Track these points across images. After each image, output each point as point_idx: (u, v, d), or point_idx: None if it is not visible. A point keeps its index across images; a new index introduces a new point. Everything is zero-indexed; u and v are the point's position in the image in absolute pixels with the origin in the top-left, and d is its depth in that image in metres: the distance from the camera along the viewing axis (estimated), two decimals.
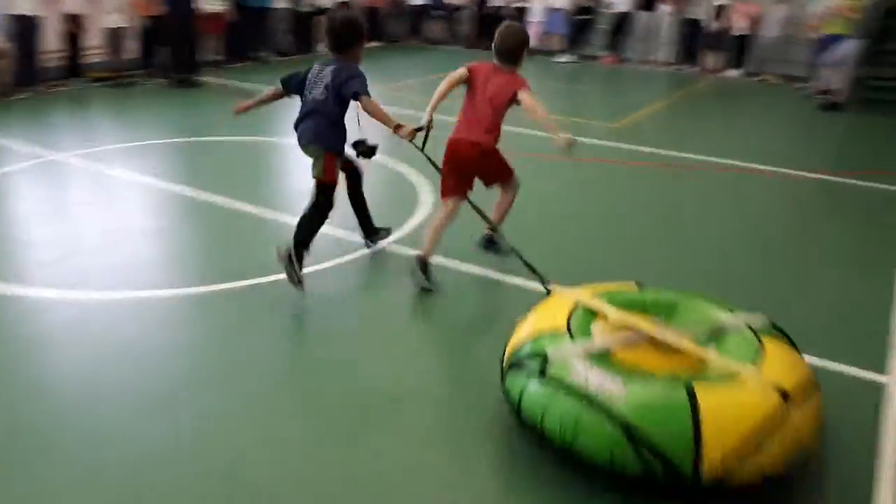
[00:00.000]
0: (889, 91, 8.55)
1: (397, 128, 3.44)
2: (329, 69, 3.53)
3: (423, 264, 3.64)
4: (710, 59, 11.26)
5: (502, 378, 2.49)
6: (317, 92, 3.52)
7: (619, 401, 2.09)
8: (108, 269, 3.88)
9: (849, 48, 8.51)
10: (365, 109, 3.43)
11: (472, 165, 3.66)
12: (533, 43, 10.13)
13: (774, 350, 2.35)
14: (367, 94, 3.44)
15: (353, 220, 4.13)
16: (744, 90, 10.32)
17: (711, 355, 2.32)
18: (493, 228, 3.86)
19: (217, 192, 5.10)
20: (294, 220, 3.64)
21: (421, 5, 13.67)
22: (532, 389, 2.28)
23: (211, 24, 9.77)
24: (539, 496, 2.25)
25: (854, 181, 5.91)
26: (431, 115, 3.57)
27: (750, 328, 2.45)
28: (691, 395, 2.06)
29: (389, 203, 5.07)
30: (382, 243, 4.25)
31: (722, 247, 4.55)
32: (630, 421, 2.05)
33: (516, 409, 2.35)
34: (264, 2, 10.77)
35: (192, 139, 6.59)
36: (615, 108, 8.58)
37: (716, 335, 2.47)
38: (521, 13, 12.41)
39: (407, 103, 8.05)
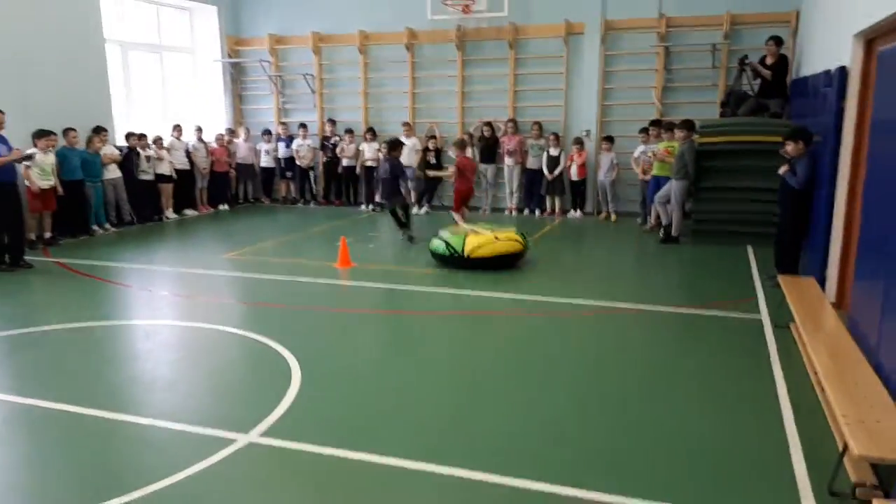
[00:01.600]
0: (713, 223, 9.41)
1: None
2: None
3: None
4: (554, 203, 11.99)
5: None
6: None
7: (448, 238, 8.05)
8: None
9: (673, 187, 9.36)
10: None
11: None
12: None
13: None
14: None
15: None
16: (589, 229, 10.96)
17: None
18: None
19: (51, 397, 4.37)
20: (147, 421, 3.52)
21: (271, 168, 13.63)
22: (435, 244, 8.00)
23: (41, 202, 9.05)
24: None
25: (709, 312, 6.23)
26: None
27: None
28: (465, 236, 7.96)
29: (256, 388, 4.59)
30: None
31: (581, 398, 4.46)
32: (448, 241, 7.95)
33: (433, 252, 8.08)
34: (93, 176, 10.20)
35: (20, 331, 5.75)
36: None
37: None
38: (369, 172, 12.73)
39: (259, 266, 7.78)
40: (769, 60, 9.59)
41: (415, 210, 12.10)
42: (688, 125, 9.51)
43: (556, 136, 11.71)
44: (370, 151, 12.65)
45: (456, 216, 9.46)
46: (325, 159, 13.24)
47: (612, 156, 11.35)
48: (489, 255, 7.89)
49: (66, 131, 9.85)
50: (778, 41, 9.57)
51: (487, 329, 5.95)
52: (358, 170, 12.98)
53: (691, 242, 9.36)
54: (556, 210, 11.98)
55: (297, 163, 13.30)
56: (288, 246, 9.59)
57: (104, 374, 4.93)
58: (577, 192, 11.83)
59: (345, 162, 13.01)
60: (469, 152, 10.39)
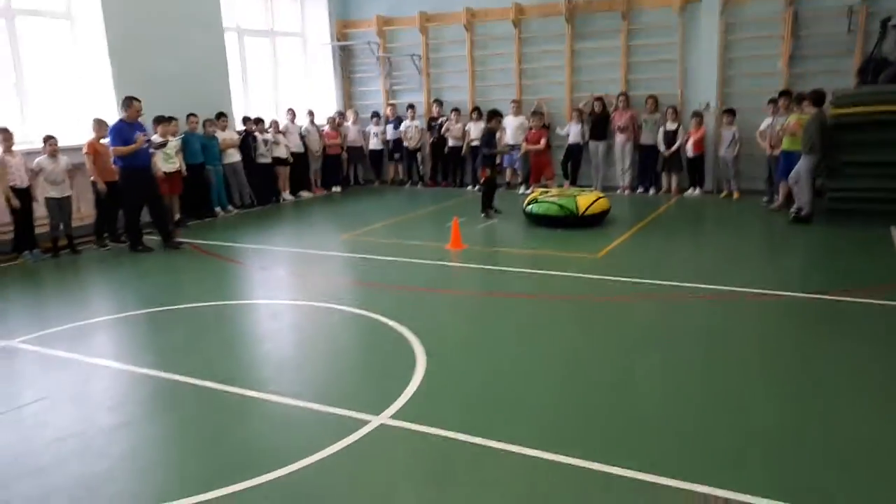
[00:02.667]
0: (851, 202, 8.70)
1: None
2: None
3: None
4: (670, 181, 11.48)
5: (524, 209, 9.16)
6: None
7: (557, 201, 8.95)
8: (60, 491, 3.28)
9: (805, 163, 8.71)
10: None
11: None
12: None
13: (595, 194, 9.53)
14: None
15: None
16: (709, 208, 10.43)
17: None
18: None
19: (188, 373, 4.59)
20: (280, 399, 3.76)
21: (379, 150, 13.82)
22: (531, 206, 9.10)
23: (167, 185, 9.55)
24: None
25: (850, 299, 5.75)
26: None
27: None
28: (575, 196, 8.96)
29: (382, 369, 4.64)
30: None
31: (729, 382, 4.19)
32: (560, 203, 8.88)
33: (527, 213, 9.21)
34: (213, 159, 10.66)
35: (155, 309, 6.10)
36: (582, 239, 8.47)
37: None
38: (474, 151, 12.63)
39: (373, 248, 7.89)
40: None
41: (521, 189, 11.96)
42: (816, 96, 8.79)
43: (675, 110, 11.17)
44: (476, 131, 12.53)
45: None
46: (431, 140, 13.27)
47: (734, 129, 10.71)
48: (599, 210, 8.99)
49: (189, 116, 10.35)
50: None
51: (612, 314, 5.75)
52: (464, 150, 12.92)
53: (825, 223, 8.69)
54: (673, 188, 11.46)
55: (405, 144, 13.40)
56: (399, 227, 9.69)
57: (237, 352, 5.14)
58: (695, 169, 11.26)
59: (451, 142, 12.98)
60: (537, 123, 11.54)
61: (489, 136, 9.93)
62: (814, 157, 8.62)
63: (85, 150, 8.39)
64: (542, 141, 11.36)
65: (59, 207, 8.16)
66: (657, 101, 11.44)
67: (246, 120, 11.60)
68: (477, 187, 12.20)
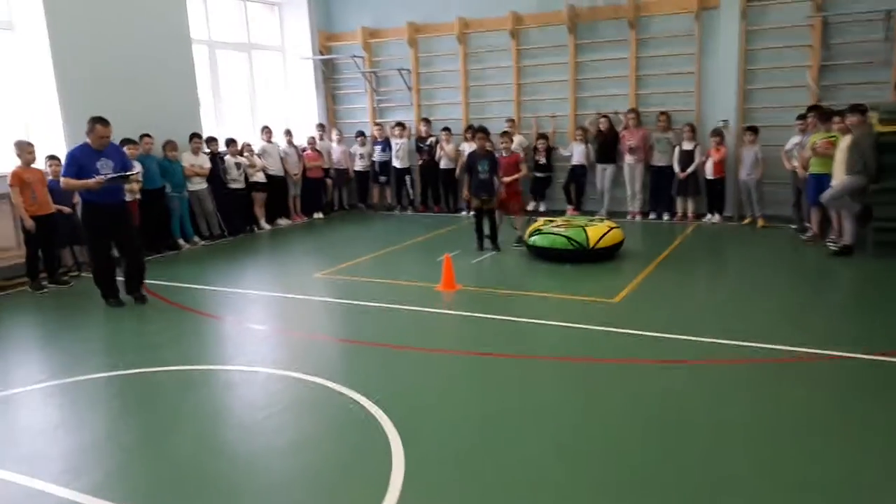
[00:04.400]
0: None
1: None
2: None
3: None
4: (686, 206, 10.36)
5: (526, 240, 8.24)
6: None
7: (564, 232, 7.81)
8: None
9: (845, 185, 7.59)
10: None
11: None
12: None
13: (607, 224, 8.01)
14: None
15: None
16: (732, 237, 9.28)
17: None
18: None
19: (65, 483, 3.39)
20: None
21: (365, 172, 12.67)
22: (535, 238, 7.96)
23: None
24: None
25: None
26: None
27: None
28: (584, 227, 7.82)
29: (346, 472, 3.43)
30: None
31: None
32: (568, 235, 7.71)
33: (530, 245, 8.06)
34: (177, 186, 9.48)
35: (58, 382, 4.88)
36: (594, 278, 7.31)
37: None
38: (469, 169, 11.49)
39: (352, 289, 6.67)
40: None
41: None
42: (860, 109, 7.70)
43: (692, 128, 10.08)
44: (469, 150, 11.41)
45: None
46: (420, 162, 12.15)
47: (756, 149, 9.60)
48: (611, 243, 7.88)
49: (142, 137, 9.19)
50: None
51: (637, 385, 4.56)
52: (458, 172, 11.79)
53: (872, 256, 7.56)
54: (689, 214, 10.34)
55: (395, 164, 12.27)
56: (385, 263, 8.51)
57: (158, 439, 3.93)
58: (714, 193, 10.14)
59: (443, 164, 11.86)
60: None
61: (472, 158, 8.79)
62: (862, 178, 7.50)
63: (10, 182, 7.15)
64: (522, 168, 9.09)
65: None
66: (670, 118, 10.35)
67: (210, 140, 10.43)
68: (471, 213, 10.95)
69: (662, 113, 10.32)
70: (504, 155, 8.93)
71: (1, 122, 8.55)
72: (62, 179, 6.49)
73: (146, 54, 9.56)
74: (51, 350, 5.78)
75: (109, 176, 6.45)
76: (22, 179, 7.07)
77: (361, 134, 12.55)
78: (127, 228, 6.80)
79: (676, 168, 10.19)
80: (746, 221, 9.91)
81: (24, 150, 7.16)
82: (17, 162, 7.23)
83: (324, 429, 4.15)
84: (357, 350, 5.42)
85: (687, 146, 10.12)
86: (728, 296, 6.62)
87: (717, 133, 9.88)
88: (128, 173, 6.76)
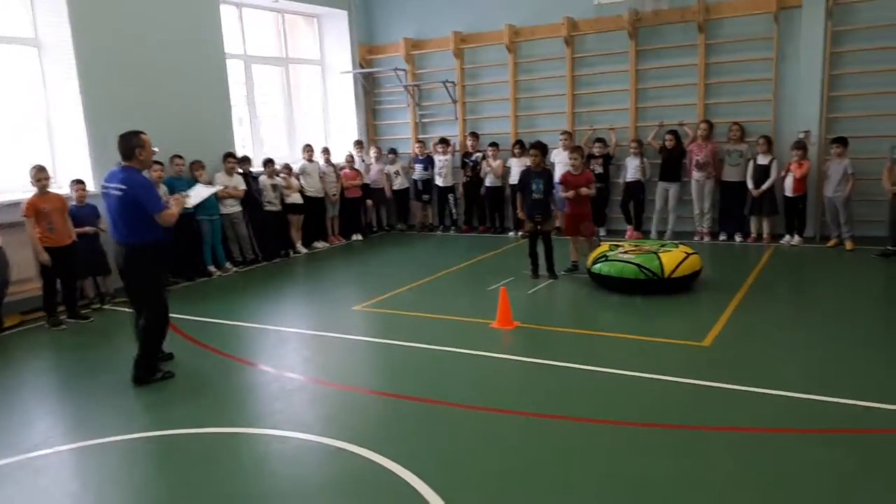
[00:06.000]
0: None
1: None
2: None
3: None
4: (761, 227, 9.35)
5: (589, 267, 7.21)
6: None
7: (634, 259, 6.90)
8: None
9: None
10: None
11: None
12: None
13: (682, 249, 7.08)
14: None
15: None
16: (824, 264, 8.20)
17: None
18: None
19: None
20: None
21: (404, 190, 11.95)
22: (600, 265, 7.03)
23: None
24: None
25: None
26: None
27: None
28: (657, 253, 6.91)
29: None
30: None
31: None
32: (639, 263, 6.78)
33: (594, 273, 7.10)
34: (208, 209, 8.81)
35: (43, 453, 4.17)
36: (674, 313, 6.39)
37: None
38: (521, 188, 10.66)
39: (392, 326, 5.88)
40: None
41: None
42: None
43: (767, 140, 9.09)
44: (519, 168, 10.57)
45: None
46: (465, 179, 11.37)
47: (845, 163, 8.57)
48: (689, 272, 6.94)
49: (173, 158, 8.61)
50: None
51: (745, 461, 3.65)
52: (506, 190, 10.97)
53: None
54: (765, 235, 9.31)
55: (437, 182, 11.51)
56: (430, 292, 7.71)
57: None
58: (794, 212, 9.11)
59: (489, 181, 11.06)
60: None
61: (525, 175, 7.97)
62: None
63: (23, 213, 6.53)
64: (591, 187, 7.98)
65: None
66: (743, 129, 9.37)
67: (244, 159, 9.79)
68: (521, 234, 10.05)
69: (735, 124, 9.35)
70: (573, 172, 8.04)
71: (24, 145, 8.03)
72: (162, 215, 4.96)
73: (178, 71, 9.00)
74: (55, 406, 5.11)
75: (199, 194, 5.63)
76: (37, 209, 6.44)
77: (393, 151, 11.85)
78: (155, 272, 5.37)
79: (750, 184, 9.20)
80: (832, 243, 8.85)
81: (37, 175, 6.52)
82: (34, 192, 6.62)
83: None
84: (405, 408, 4.60)
85: (762, 160, 9.12)
86: (847, 338, 5.53)
87: (800, 146, 8.86)
88: (216, 187, 5.98)
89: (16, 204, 6.92)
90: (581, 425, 4.15)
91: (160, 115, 8.65)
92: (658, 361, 5.08)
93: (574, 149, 8.45)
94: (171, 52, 8.90)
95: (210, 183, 8.59)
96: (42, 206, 6.47)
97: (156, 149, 5.23)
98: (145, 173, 5.28)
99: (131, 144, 4.99)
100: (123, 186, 4.89)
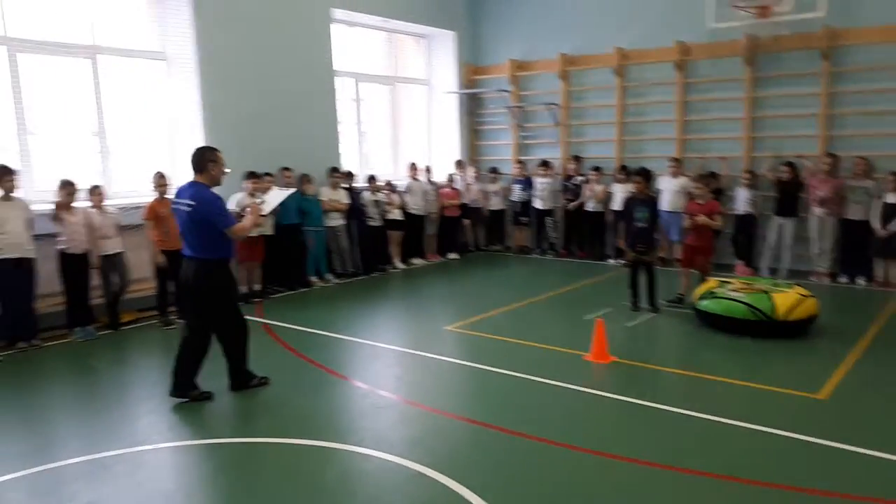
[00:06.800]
0: None
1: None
2: None
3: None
4: (887, 271, 8.63)
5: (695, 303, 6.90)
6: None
7: (744, 298, 6.47)
8: None
9: None
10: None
11: None
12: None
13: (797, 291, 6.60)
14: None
15: None
16: None
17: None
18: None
19: None
20: None
21: (500, 211, 11.89)
22: (707, 301, 6.69)
23: (248, 252, 8.07)
24: None
25: None
26: None
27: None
28: (769, 293, 6.44)
29: None
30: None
31: None
32: (749, 302, 6.38)
33: (700, 310, 6.78)
34: (313, 222, 9.11)
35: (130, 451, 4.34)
36: (785, 360, 5.96)
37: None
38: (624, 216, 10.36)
39: (482, 350, 5.80)
40: None
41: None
42: None
43: None
44: (622, 194, 10.28)
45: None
46: (565, 202, 11.17)
47: None
48: (804, 315, 6.47)
49: (283, 171, 8.94)
50: None
51: None
52: (607, 216, 10.69)
53: None
54: (893, 279, 8.59)
55: (536, 205, 11.38)
56: (523, 318, 7.58)
57: None
58: None
59: (590, 206, 10.81)
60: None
61: (629, 203, 7.72)
62: None
63: (144, 216, 6.99)
64: (717, 219, 7.66)
65: (112, 266, 6.85)
66: (870, 164, 8.72)
67: (348, 175, 10.06)
68: (623, 262, 9.74)
69: (860, 158, 8.71)
70: (699, 202, 7.72)
71: (148, 153, 8.56)
72: (233, 229, 4.98)
73: (289, 86, 9.37)
74: (158, 404, 5.33)
75: (274, 199, 5.50)
76: (156, 213, 6.88)
77: (494, 170, 11.82)
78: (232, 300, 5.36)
79: (876, 224, 8.53)
80: None
81: (158, 181, 6.99)
82: (154, 196, 7.08)
83: None
84: (490, 437, 4.50)
85: (891, 199, 8.44)
86: None
87: None
88: (290, 190, 5.97)
89: (137, 208, 7.38)
90: (687, 478, 3.90)
91: (271, 127, 9.04)
92: (767, 412, 4.74)
93: (699, 178, 8.31)
94: (284, 67, 9.28)
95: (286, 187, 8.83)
96: (161, 211, 6.87)
97: (227, 169, 5.18)
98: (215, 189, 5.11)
99: (205, 158, 5.01)
100: (192, 202, 4.86)
